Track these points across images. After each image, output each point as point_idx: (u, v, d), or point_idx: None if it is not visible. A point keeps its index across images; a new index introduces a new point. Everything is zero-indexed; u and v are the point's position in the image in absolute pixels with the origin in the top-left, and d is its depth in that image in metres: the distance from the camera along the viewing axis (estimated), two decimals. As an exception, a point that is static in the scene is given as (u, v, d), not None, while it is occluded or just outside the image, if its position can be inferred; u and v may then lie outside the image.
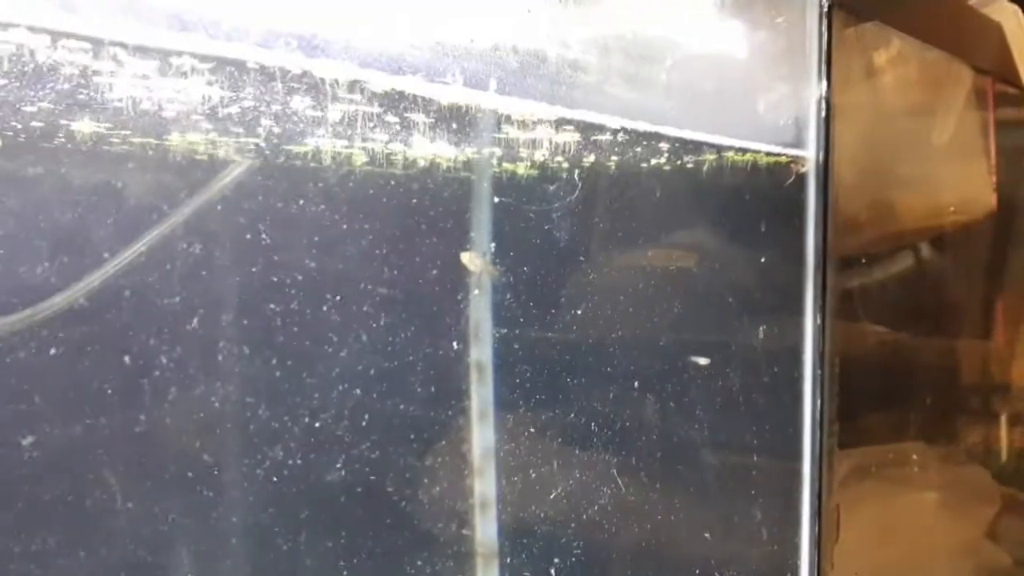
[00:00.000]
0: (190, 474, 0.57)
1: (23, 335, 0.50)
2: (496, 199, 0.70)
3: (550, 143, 0.73)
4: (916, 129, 1.19)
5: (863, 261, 1.09)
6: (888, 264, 1.16)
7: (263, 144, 0.58)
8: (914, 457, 1.27)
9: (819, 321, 0.86)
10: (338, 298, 0.62)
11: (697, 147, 0.81)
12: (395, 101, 0.63)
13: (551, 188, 0.74)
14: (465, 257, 0.70)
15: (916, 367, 1.27)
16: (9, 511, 0.50)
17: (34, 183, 0.50)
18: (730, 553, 0.86)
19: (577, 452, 0.77)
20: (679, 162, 0.81)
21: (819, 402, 0.87)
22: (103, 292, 0.52)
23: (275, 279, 0.59)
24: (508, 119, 0.70)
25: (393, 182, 0.64)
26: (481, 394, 0.71)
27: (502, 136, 0.71)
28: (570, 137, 0.73)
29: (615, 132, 0.77)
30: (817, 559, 0.87)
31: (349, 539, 0.64)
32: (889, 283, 1.16)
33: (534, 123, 0.72)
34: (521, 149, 0.72)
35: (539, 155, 0.73)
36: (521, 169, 0.72)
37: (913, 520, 1.27)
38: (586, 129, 0.75)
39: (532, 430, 0.74)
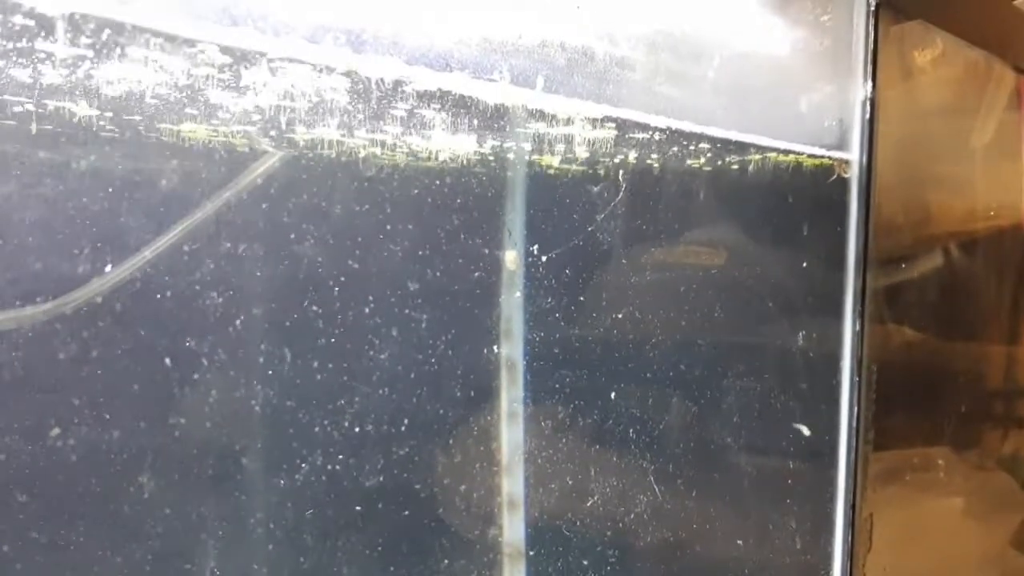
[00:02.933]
0: (217, 468, 0.56)
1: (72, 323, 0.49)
2: (534, 197, 0.69)
3: (591, 141, 0.72)
4: (956, 131, 1.17)
5: (901, 265, 1.07)
6: (917, 265, 1.14)
7: (296, 138, 0.57)
8: (940, 462, 1.25)
9: (858, 327, 0.85)
10: (369, 294, 0.61)
11: (741, 148, 0.80)
12: (438, 98, 0.63)
13: (592, 187, 0.73)
14: (509, 256, 0.69)
15: (943, 372, 1.25)
16: (36, 503, 0.50)
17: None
18: (761, 560, 0.85)
19: (608, 454, 0.76)
20: (721, 163, 0.80)
21: (856, 410, 0.85)
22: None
23: (306, 274, 0.58)
24: (551, 117, 0.69)
25: (427, 178, 0.63)
26: (511, 393, 0.70)
27: (543, 133, 0.70)
28: (612, 135, 0.72)
29: (659, 131, 0.75)
30: (850, 569, 0.86)
31: (374, 536, 0.63)
32: (917, 286, 1.14)
33: (575, 121, 0.71)
34: (560, 145, 0.71)
35: (580, 152, 0.72)
36: (559, 165, 0.71)
37: (938, 526, 1.25)
38: (629, 128, 0.74)
39: (563, 430, 0.73)
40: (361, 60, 0.58)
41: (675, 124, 0.75)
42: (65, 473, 0.50)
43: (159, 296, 0.53)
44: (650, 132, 0.75)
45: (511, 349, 0.70)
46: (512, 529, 0.71)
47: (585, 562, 0.74)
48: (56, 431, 0.49)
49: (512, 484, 0.71)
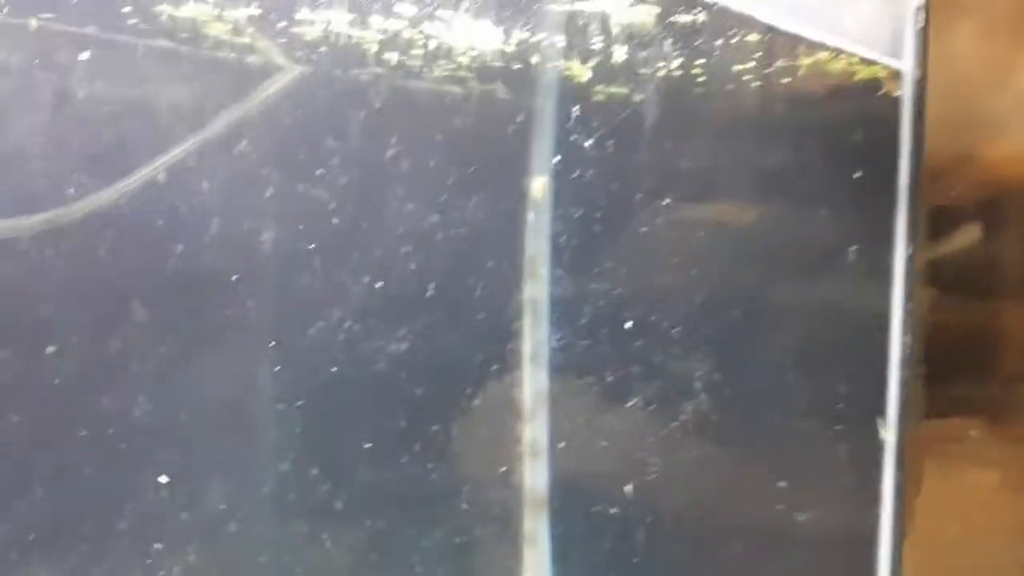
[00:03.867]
0: (222, 400, 0.55)
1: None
2: (557, 112, 0.66)
3: (630, 34, 0.67)
4: (1006, 63, 1.12)
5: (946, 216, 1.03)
6: (955, 235, 1.10)
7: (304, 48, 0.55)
8: (972, 433, 1.23)
9: (911, 251, 0.80)
10: (379, 226, 0.59)
11: (790, 44, 0.74)
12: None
13: (628, 105, 0.68)
14: (536, 185, 0.64)
15: (979, 337, 1.22)
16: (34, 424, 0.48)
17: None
18: (806, 507, 0.81)
19: (644, 402, 0.72)
20: (768, 70, 0.75)
21: (908, 351, 0.81)
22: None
23: (308, 199, 0.56)
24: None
25: (441, 89, 0.61)
26: (535, 334, 0.67)
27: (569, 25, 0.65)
28: (653, 16, 0.67)
29: (706, 10, 0.69)
30: (900, 515, 0.82)
31: (390, 480, 0.62)
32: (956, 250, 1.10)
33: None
34: (597, 40, 0.66)
35: (618, 55, 0.67)
36: (593, 78, 0.67)
37: (972, 498, 1.23)
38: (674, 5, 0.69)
39: (588, 375, 0.70)
40: None
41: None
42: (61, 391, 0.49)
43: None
44: (695, 13, 0.69)
45: (536, 287, 0.66)
46: (535, 476, 0.68)
47: (611, 510, 0.71)
48: (53, 348, 0.48)
49: (535, 430, 0.68)
